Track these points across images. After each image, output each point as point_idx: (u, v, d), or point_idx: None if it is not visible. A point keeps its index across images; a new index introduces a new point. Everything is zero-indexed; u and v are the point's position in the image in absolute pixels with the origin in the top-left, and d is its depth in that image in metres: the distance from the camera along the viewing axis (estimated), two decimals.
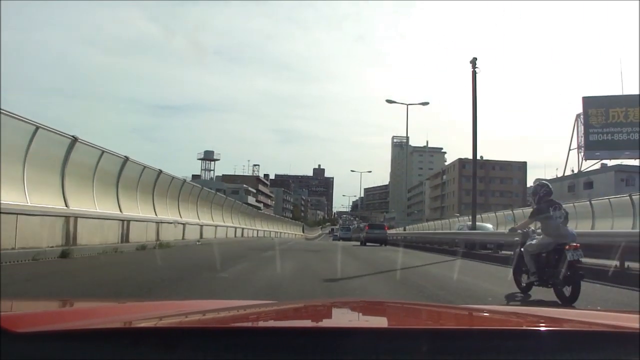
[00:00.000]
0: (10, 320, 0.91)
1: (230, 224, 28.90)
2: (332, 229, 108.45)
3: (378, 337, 0.91)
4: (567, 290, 5.70)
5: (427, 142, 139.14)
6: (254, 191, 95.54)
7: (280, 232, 51.95)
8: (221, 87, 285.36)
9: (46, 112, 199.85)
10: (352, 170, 62.55)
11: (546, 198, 6.38)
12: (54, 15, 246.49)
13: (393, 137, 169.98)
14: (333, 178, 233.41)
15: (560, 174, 56.83)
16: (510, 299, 6.23)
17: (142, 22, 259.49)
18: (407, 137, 33.41)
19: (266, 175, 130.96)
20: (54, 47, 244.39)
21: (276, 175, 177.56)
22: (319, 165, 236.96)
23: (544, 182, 6.91)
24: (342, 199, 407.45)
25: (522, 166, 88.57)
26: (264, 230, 42.37)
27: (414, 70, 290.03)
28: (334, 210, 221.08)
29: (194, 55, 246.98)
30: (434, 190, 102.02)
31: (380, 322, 1.33)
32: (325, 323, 1.25)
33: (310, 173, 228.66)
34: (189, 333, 0.91)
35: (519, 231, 6.81)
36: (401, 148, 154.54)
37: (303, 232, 77.92)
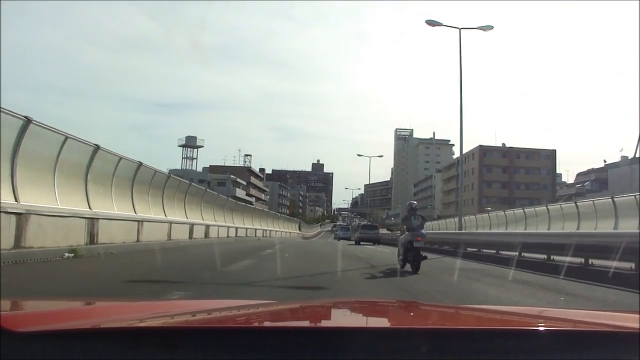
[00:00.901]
0: (11, 320, 0.97)
1: (183, 219, 20.55)
2: (334, 226, 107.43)
3: (378, 337, 0.97)
4: (415, 266, 10.08)
5: (434, 134, 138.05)
6: (244, 183, 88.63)
7: (271, 230, 47.23)
8: (220, 84, 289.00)
9: (44, 110, 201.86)
10: (359, 155, 60.64)
11: (411, 212, 11.02)
12: (52, 13, 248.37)
13: (396, 130, 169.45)
14: (332, 174, 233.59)
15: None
16: (394, 268, 10.55)
17: (141, 19, 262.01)
18: (461, 73, 23.06)
19: (262, 170, 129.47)
20: (52, 45, 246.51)
21: (273, 170, 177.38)
22: (318, 161, 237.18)
23: (412, 202, 11.94)
24: (342, 195, 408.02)
25: (550, 154, 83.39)
26: (247, 229, 34.94)
27: (413, 69, 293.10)
28: (334, 206, 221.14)
29: (193, 53, 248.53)
30: (447, 183, 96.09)
31: (380, 322, 1.40)
32: (325, 323, 1.32)
33: (309, 170, 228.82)
34: (189, 333, 0.97)
35: (399, 230, 13.33)
36: (405, 141, 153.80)
37: (300, 229, 76.50)
